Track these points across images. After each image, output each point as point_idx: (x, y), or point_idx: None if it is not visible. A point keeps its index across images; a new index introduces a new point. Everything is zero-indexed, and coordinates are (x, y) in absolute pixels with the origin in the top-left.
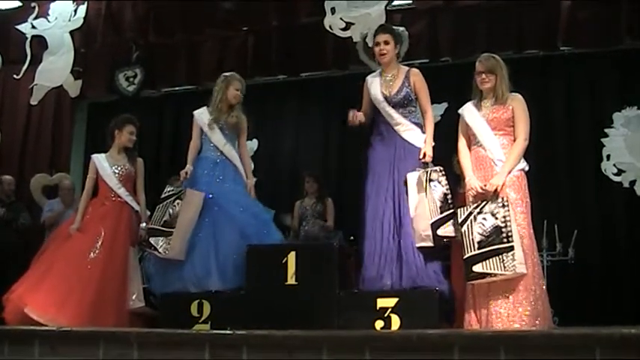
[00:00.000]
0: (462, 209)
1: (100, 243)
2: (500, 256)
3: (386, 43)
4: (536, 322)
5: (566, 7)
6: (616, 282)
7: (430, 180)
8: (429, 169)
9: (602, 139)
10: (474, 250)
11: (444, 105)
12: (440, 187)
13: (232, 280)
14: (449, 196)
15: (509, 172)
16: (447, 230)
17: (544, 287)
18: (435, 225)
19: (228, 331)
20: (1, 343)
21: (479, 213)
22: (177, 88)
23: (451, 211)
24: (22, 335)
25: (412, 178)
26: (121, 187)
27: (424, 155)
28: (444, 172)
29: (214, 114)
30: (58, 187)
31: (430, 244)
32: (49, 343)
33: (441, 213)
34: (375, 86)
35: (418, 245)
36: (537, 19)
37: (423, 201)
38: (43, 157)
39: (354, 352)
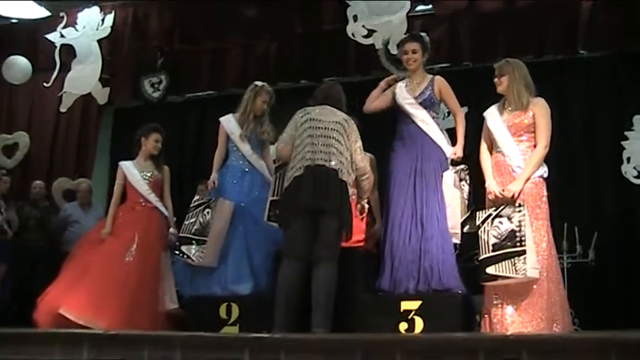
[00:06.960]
0: (480, 212)
1: (134, 247)
2: (513, 260)
3: (414, 52)
4: (553, 326)
5: (586, 10)
6: (636, 283)
7: (460, 179)
8: (458, 168)
9: (623, 142)
10: (489, 252)
11: (465, 109)
12: (466, 186)
13: (265, 286)
14: (471, 195)
15: (528, 179)
16: (468, 227)
17: (563, 292)
18: (463, 223)
19: (266, 334)
20: (53, 345)
21: (496, 217)
22: (200, 94)
23: (473, 208)
24: (72, 338)
25: (448, 176)
26: (151, 192)
27: (454, 153)
28: (468, 172)
29: (242, 123)
30: (76, 189)
31: (457, 241)
32: (97, 346)
33: (468, 210)
34: (401, 90)
35: None
36: (557, 23)
37: (455, 199)
38: (69, 163)
39: (386, 355)
